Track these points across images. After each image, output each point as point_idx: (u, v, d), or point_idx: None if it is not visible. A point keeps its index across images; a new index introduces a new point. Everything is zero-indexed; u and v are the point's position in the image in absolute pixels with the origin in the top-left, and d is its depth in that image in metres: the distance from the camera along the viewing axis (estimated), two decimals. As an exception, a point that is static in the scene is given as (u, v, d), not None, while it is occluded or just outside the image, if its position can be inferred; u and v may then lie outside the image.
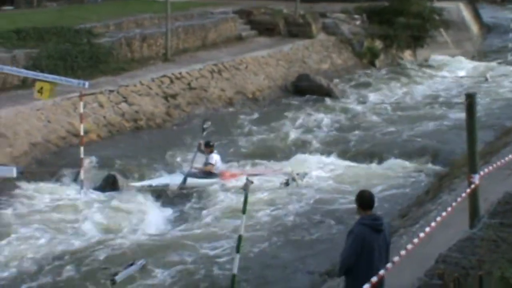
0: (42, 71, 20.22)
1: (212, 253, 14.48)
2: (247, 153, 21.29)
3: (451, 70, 35.66)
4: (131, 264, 13.88)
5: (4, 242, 15.06)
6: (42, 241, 15.17)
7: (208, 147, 18.76)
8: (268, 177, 18.85)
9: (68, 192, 17.76)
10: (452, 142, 21.29)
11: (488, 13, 47.70)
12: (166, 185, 17.93)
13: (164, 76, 25.49)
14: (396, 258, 7.84)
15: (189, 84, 25.94)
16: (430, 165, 20.43)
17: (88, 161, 18.42)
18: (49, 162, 19.41)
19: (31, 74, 19.24)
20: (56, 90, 18.20)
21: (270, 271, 13.87)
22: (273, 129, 23.81)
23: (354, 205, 9.07)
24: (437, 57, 37.82)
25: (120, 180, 18.48)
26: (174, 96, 24.97)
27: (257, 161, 20.44)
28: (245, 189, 10.96)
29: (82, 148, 17.73)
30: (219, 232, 15.41)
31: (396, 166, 20.35)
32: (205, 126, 18.92)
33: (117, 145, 21.12)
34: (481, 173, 10.63)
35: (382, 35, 35.77)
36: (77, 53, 24.57)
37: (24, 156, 19.18)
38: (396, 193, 18.11)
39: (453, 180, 16.38)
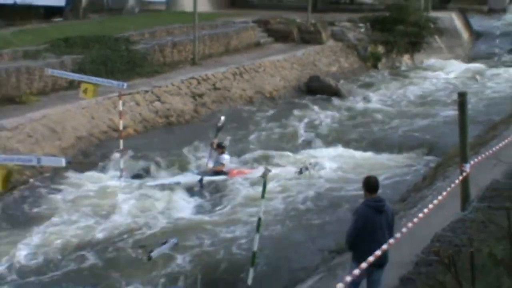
0: (86, 74, 20.29)
1: (232, 235, 14.49)
2: (264, 145, 21.28)
3: (445, 72, 35.45)
4: (165, 242, 13.91)
5: (51, 223, 15.19)
6: (85, 223, 15.28)
7: (220, 148, 18.33)
8: (283, 168, 18.84)
9: (108, 179, 17.85)
10: (445, 135, 21.19)
11: (477, 22, 47.38)
12: (178, 183, 17.57)
13: (192, 78, 25.51)
14: (398, 235, 7.85)
15: (214, 85, 25.96)
16: (426, 156, 20.39)
17: (118, 154, 18.31)
18: (93, 153, 19.52)
19: (77, 76, 19.33)
20: (98, 91, 18.29)
21: (285, 249, 13.89)
22: (287, 124, 23.82)
23: (359, 192, 9.15)
24: (432, 61, 37.64)
25: (154, 169, 18.57)
26: (201, 96, 24.99)
27: (273, 152, 20.43)
28: (264, 177, 10.98)
29: (121, 141, 17.82)
30: (238, 218, 15.41)
31: (397, 157, 20.33)
32: (219, 124, 18.34)
33: (151, 139, 21.18)
34: (472, 162, 10.62)
35: (384, 41, 35.63)
36: (116, 58, 24.66)
37: (71, 148, 19.29)
38: (396, 180, 18.07)
39: (446, 168, 16.32)
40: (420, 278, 6.27)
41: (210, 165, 18.05)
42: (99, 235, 14.59)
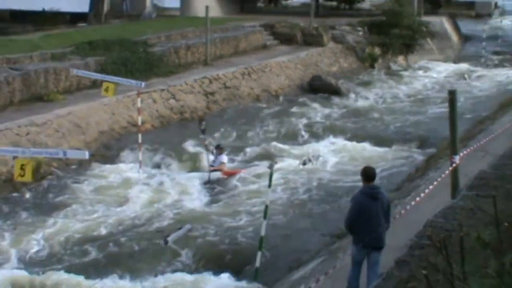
0: (108, 74, 20.30)
1: (240, 223, 14.48)
2: (270, 139, 21.25)
3: (436, 72, 35.34)
4: (180, 228, 13.95)
5: (75, 210, 15.25)
6: (106, 210, 15.33)
7: (219, 149, 17.94)
8: (288, 160, 18.83)
9: (128, 171, 17.87)
10: (436, 129, 21.15)
11: (466, 26, 47.21)
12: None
13: (204, 77, 25.49)
14: (396, 217, 7.85)
15: (224, 84, 25.94)
16: (419, 149, 20.35)
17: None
18: (114, 146, 19.55)
19: (99, 76, 19.36)
20: (117, 89, 18.29)
21: (289, 235, 13.88)
22: (291, 119, 23.78)
23: (357, 182, 9.15)
24: (424, 61, 37.53)
25: (170, 161, 18.57)
26: (212, 94, 24.99)
27: (278, 145, 20.41)
28: (270, 168, 11.00)
29: (139, 135, 17.83)
30: (245, 209, 15.35)
31: (392, 150, 20.28)
32: (202, 127, 17.73)
33: (167, 133, 21.20)
34: (461, 154, 10.59)
35: (380, 43, 35.50)
36: (135, 60, 24.65)
37: (94, 142, 19.32)
38: (392, 171, 18.04)
39: (438, 160, 16.30)
40: (413, 260, 6.27)
41: (212, 164, 17.67)
42: (119, 222, 14.62)
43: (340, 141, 20.95)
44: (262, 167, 17.72)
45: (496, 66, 37.35)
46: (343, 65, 33.60)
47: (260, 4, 49.49)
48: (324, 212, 15.28)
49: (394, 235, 8.99)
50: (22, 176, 10.84)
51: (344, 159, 19.21)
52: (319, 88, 28.97)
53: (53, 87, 21.34)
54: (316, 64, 31.81)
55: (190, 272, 12.30)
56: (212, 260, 12.78)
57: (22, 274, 12.09)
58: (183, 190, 16.57)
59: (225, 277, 12.03)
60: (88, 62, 23.04)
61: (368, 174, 8.88)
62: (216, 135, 21.22)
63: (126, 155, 18.77)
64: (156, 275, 12.12)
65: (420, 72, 35.04)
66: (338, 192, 16.44)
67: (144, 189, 16.54)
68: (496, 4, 56.69)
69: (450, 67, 36.70)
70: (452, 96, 10.47)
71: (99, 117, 20.28)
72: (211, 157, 17.76)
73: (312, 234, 13.86)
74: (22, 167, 10.67)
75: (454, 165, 10.26)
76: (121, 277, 12.04)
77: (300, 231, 14.08)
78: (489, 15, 52.46)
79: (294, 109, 25.34)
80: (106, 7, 34.53)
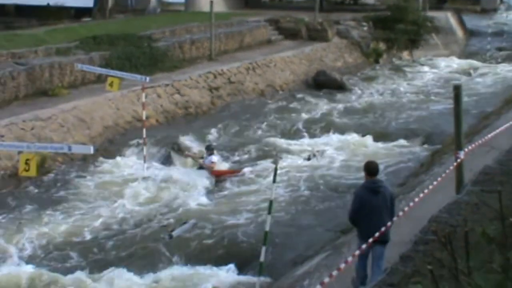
0: (112, 69, 20.33)
1: (244, 219, 14.47)
2: (274, 134, 21.27)
3: (441, 67, 35.25)
4: (185, 223, 13.98)
5: (79, 204, 15.29)
6: (111, 204, 15.36)
7: (210, 150, 17.75)
8: (292, 155, 18.83)
9: (132, 165, 17.89)
10: (441, 124, 21.11)
11: (471, 21, 47.04)
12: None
13: (209, 72, 25.48)
14: (400, 213, 7.84)
15: (229, 79, 25.93)
16: (423, 144, 20.32)
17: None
18: (118, 141, 19.57)
19: (104, 71, 19.38)
20: (122, 84, 18.30)
21: (294, 229, 13.89)
22: (296, 115, 23.76)
23: (362, 178, 9.19)
24: (429, 56, 37.44)
25: (175, 156, 18.57)
26: (217, 89, 24.98)
27: (282, 140, 20.41)
28: (275, 163, 11.01)
29: (144, 130, 17.84)
30: (249, 205, 15.34)
31: (397, 144, 20.25)
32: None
33: (172, 128, 21.21)
34: (466, 150, 10.58)
35: (385, 38, 35.45)
36: (139, 54, 24.64)
37: (98, 136, 19.35)
38: (397, 166, 18.02)
39: (442, 155, 16.28)
40: (418, 255, 6.26)
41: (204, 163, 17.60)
42: (123, 217, 14.65)
43: (345, 137, 20.91)
44: (260, 166, 17.70)
45: (501, 61, 37.23)
46: (348, 60, 33.55)
47: (264, -1, 49.43)
48: (329, 207, 15.28)
49: (398, 230, 8.99)
50: (27, 171, 10.88)
51: (348, 155, 19.18)
52: (324, 83, 28.93)
53: (58, 81, 21.36)
54: (321, 59, 31.77)
55: (195, 266, 12.32)
56: (217, 255, 12.80)
57: (25, 269, 12.12)
58: (187, 186, 16.58)
59: (230, 271, 12.07)
60: (93, 56, 23.06)
61: (370, 168, 8.94)
62: (220, 130, 21.22)
63: (131, 150, 18.78)
64: (160, 269, 12.15)
65: (425, 68, 34.95)
66: (342, 187, 16.43)
67: (148, 184, 16.56)
68: (501, -1, 56.49)
69: (455, 63, 36.59)
70: (457, 91, 10.45)
71: (104, 112, 20.30)
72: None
73: (317, 229, 13.87)
74: (27, 162, 10.70)
75: (459, 160, 10.24)
76: (126, 271, 12.06)
77: (304, 226, 14.09)
78: (495, 10, 52.26)
79: (298, 105, 25.31)
80: (110, 1, 34.57)
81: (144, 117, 18.30)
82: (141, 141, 18.09)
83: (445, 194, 9.80)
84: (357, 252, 7.67)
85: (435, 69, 34.70)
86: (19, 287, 11.55)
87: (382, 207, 8.74)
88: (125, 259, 12.69)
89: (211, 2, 27.75)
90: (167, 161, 18.38)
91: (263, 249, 10.40)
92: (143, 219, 14.57)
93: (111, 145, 19.28)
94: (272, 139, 20.52)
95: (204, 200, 15.95)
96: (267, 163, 17.86)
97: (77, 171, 17.22)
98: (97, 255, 12.98)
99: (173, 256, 12.77)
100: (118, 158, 18.27)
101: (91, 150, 11.32)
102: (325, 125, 22.43)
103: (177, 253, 12.87)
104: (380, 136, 20.91)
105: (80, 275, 11.92)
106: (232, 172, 17.65)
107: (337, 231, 13.02)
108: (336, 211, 14.61)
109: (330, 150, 19.39)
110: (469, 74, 33.22)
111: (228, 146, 19.81)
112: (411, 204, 8.61)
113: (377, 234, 8.14)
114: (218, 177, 17.34)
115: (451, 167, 10.26)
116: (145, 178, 16.82)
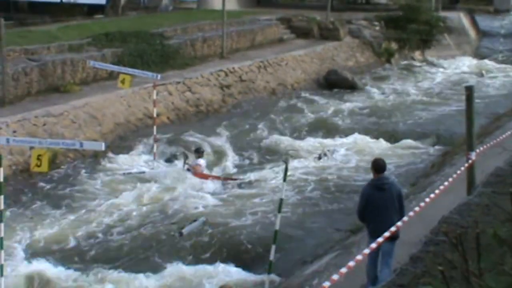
0: (124, 66, 20.37)
1: (253, 218, 14.44)
2: (285, 133, 21.27)
3: (453, 67, 35.15)
4: (194, 221, 13.99)
5: (89, 200, 15.32)
6: (121, 201, 15.39)
7: (199, 153, 17.43)
8: (303, 154, 18.81)
9: (143, 162, 17.92)
10: (453, 125, 21.05)
11: (483, 21, 46.85)
12: (143, 172, 17.03)
13: (220, 70, 25.50)
14: (410, 214, 7.83)
15: (240, 77, 25.94)
16: (435, 144, 20.25)
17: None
18: (129, 138, 19.61)
19: (116, 68, 19.43)
20: (133, 81, 18.33)
21: (304, 228, 13.89)
22: (307, 114, 23.72)
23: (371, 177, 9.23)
24: (441, 57, 37.32)
25: (185, 154, 18.55)
26: (228, 87, 24.99)
27: (293, 139, 20.38)
28: (286, 161, 10.98)
29: (155, 128, 17.88)
30: (259, 204, 15.34)
31: (408, 145, 20.19)
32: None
33: (183, 126, 21.23)
34: (477, 151, 10.55)
35: (397, 38, 35.37)
36: (151, 52, 24.68)
37: (110, 133, 19.40)
38: (407, 166, 17.98)
39: (453, 156, 16.22)
40: (428, 256, 6.25)
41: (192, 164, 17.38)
42: (133, 214, 14.67)
43: (355, 137, 20.87)
44: (269, 166, 17.61)
45: (513, 62, 37.07)
46: (360, 59, 33.48)
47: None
48: (338, 207, 15.25)
49: (408, 230, 8.97)
50: (39, 166, 10.89)
51: (359, 155, 19.14)
52: (335, 82, 28.89)
53: (70, 78, 21.44)
54: (332, 58, 31.72)
55: (204, 264, 12.33)
56: (227, 253, 12.81)
57: (34, 265, 12.15)
58: (196, 184, 16.58)
59: (240, 269, 12.07)
60: (105, 53, 23.11)
61: (377, 166, 9.04)
62: (230, 128, 21.22)
63: (142, 147, 18.80)
64: (170, 266, 12.17)
65: (437, 68, 34.84)
66: (352, 187, 16.37)
67: (157, 181, 16.56)
68: (514, -1, 56.16)
69: (467, 63, 36.46)
70: (469, 92, 10.42)
71: (115, 108, 20.35)
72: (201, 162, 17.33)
73: (326, 229, 13.85)
74: (39, 158, 10.72)
75: (470, 161, 10.21)
76: (136, 268, 12.10)
77: (313, 226, 14.08)
78: (508, 11, 51.94)
79: (310, 103, 25.28)
80: (123, -1, 34.58)
81: (155, 114, 18.33)
82: (152, 138, 18.11)
83: (456, 195, 9.77)
84: (367, 250, 7.64)
85: (447, 70, 34.59)
86: (28, 283, 11.58)
87: (389, 203, 8.84)
88: (135, 257, 12.71)
89: (223, 0, 27.75)
90: (176, 158, 18.34)
91: (273, 247, 10.40)
92: (152, 216, 14.58)
93: (122, 141, 19.32)
94: (282, 138, 20.50)
95: (214, 198, 15.94)
96: (275, 164, 17.81)
97: (87, 168, 17.26)
98: (106, 252, 13.00)
99: (182, 253, 12.78)
100: (129, 155, 18.28)
101: (102, 146, 11.34)
102: (335, 125, 22.41)
103: (186, 250, 12.88)
104: (391, 136, 20.86)
105: (88, 271, 11.95)
106: (214, 177, 17.25)
107: (347, 231, 13.00)
108: (346, 211, 14.59)
109: (340, 150, 19.34)
110: (481, 75, 33.08)
111: (238, 145, 19.76)
112: (422, 204, 8.59)
113: (386, 234, 8.12)
114: (201, 179, 16.94)
115: (463, 168, 10.23)
116: (153, 175, 16.78)
